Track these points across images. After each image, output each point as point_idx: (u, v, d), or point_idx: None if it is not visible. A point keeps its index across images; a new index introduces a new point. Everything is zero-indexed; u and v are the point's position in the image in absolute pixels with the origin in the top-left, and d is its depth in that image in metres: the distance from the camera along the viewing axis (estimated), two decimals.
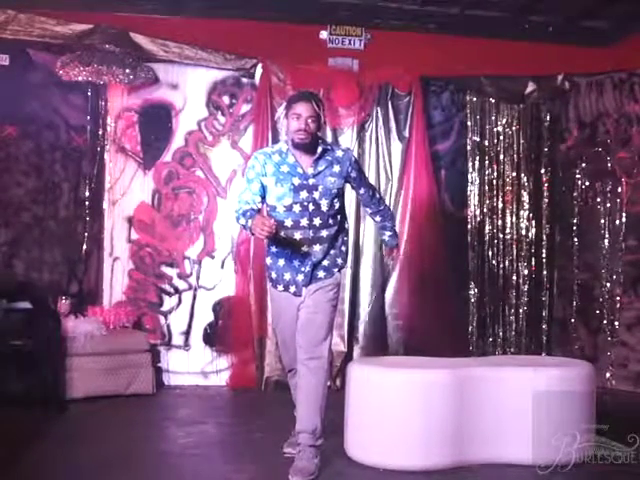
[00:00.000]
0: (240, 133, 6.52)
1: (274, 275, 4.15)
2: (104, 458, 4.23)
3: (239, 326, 6.34)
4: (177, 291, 6.45)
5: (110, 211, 6.37)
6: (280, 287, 4.13)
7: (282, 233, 3.99)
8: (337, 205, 4.11)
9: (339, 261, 4.16)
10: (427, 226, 6.56)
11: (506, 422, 4.15)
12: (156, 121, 6.44)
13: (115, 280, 6.36)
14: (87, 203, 6.32)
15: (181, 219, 6.46)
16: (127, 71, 5.96)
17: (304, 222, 4.02)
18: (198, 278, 6.47)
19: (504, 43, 6.78)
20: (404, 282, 6.56)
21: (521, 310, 7.00)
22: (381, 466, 4.07)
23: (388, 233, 4.44)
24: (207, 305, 6.47)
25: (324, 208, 4.04)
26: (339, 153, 4.13)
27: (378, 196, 4.42)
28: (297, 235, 4.03)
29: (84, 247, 6.30)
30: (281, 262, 4.09)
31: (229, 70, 6.48)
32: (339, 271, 4.19)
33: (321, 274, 4.09)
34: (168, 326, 6.42)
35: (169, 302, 6.44)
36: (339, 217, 4.15)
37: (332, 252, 4.12)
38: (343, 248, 4.20)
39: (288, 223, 4.02)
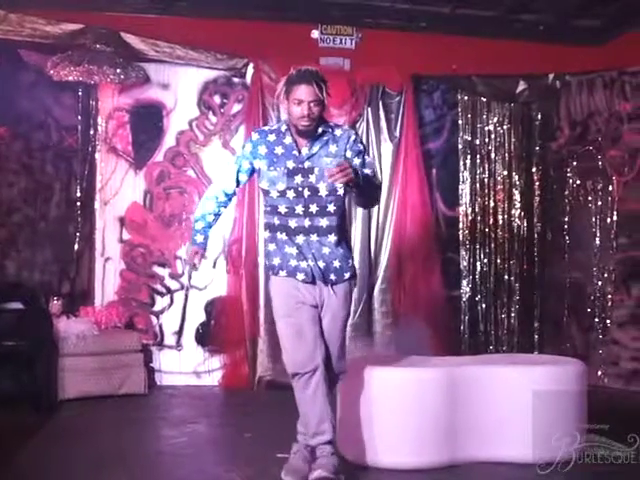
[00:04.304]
0: (232, 133, 6.51)
1: (278, 261, 3.75)
2: (96, 458, 4.22)
3: (231, 326, 6.33)
4: (169, 291, 6.44)
5: (102, 211, 6.36)
6: (283, 273, 3.74)
7: (277, 221, 3.75)
8: (339, 191, 3.70)
9: (350, 263, 3.83)
10: (419, 224, 6.57)
11: (498, 420, 4.15)
12: (147, 121, 6.43)
13: (107, 280, 6.35)
14: (78, 203, 6.31)
15: (173, 219, 6.45)
16: (118, 71, 5.94)
17: (299, 209, 3.69)
18: (190, 278, 6.46)
19: (495, 42, 6.78)
20: (395, 280, 6.56)
21: (513, 308, 7.02)
22: (375, 464, 4.07)
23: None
24: (199, 305, 6.47)
25: (322, 192, 3.68)
26: (338, 132, 3.78)
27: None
28: (292, 223, 3.70)
29: (76, 247, 6.29)
30: (289, 250, 3.73)
31: (220, 70, 6.47)
32: (351, 278, 3.82)
33: (332, 277, 3.75)
34: (160, 326, 6.41)
35: (161, 302, 6.43)
36: (341, 207, 3.76)
37: (340, 251, 3.77)
38: (347, 254, 3.85)
39: (282, 210, 3.71)
